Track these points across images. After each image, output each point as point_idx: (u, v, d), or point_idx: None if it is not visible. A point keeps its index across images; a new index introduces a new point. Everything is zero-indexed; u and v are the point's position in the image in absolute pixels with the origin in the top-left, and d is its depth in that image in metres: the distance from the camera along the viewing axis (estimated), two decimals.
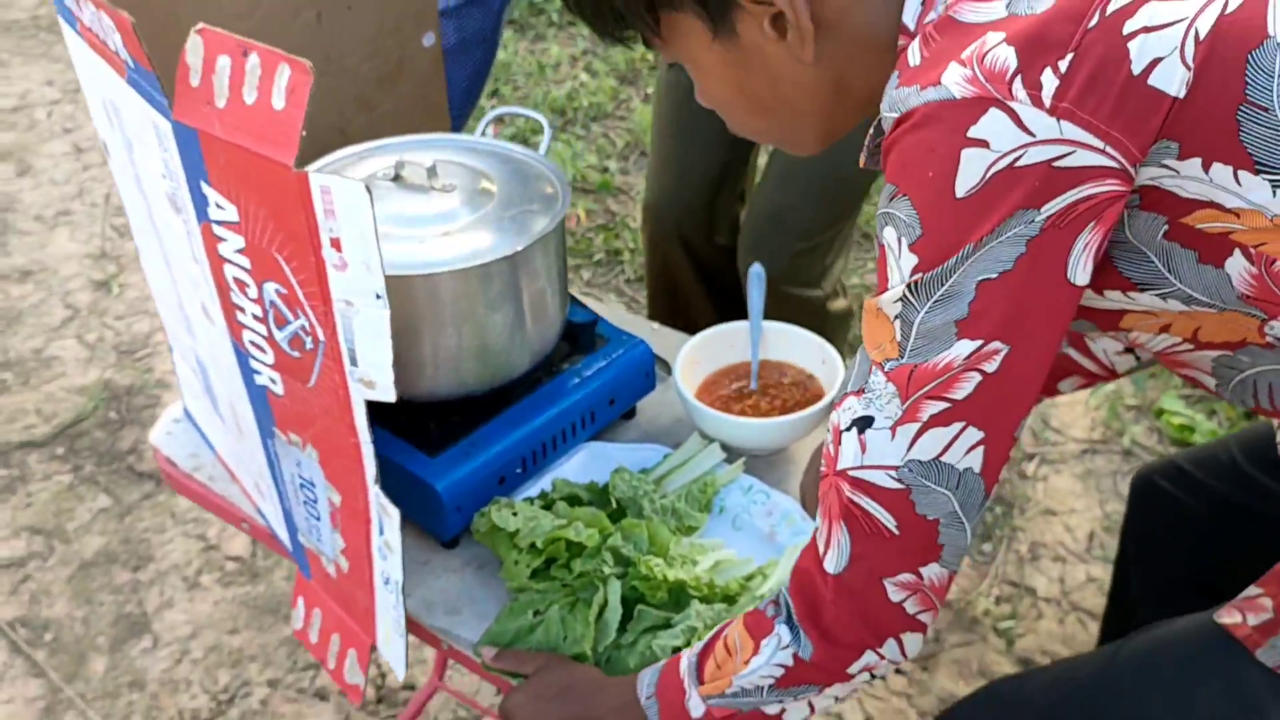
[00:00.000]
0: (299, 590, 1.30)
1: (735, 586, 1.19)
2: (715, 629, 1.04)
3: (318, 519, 1.19)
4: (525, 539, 1.19)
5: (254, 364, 1.11)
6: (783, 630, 0.96)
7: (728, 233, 2.07)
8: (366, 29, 1.53)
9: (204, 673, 1.99)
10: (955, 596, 2.03)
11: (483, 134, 1.47)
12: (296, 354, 1.05)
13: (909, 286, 0.81)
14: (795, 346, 1.47)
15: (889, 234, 0.83)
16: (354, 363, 0.99)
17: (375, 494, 1.07)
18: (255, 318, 1.06)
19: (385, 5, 1.52)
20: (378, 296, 0.94)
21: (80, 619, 2.09)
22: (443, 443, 1.28)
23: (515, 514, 1.21)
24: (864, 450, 0.87)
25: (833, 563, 0.91)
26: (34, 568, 2.18)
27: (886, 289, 0.84)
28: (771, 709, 0.98)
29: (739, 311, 2.10)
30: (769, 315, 1.50)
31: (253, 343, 1.09)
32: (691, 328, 2.11)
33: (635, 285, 2.83)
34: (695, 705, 1.00)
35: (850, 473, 0.88)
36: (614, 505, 1.28)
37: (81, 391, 2.57)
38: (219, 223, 1.02)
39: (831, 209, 1.85)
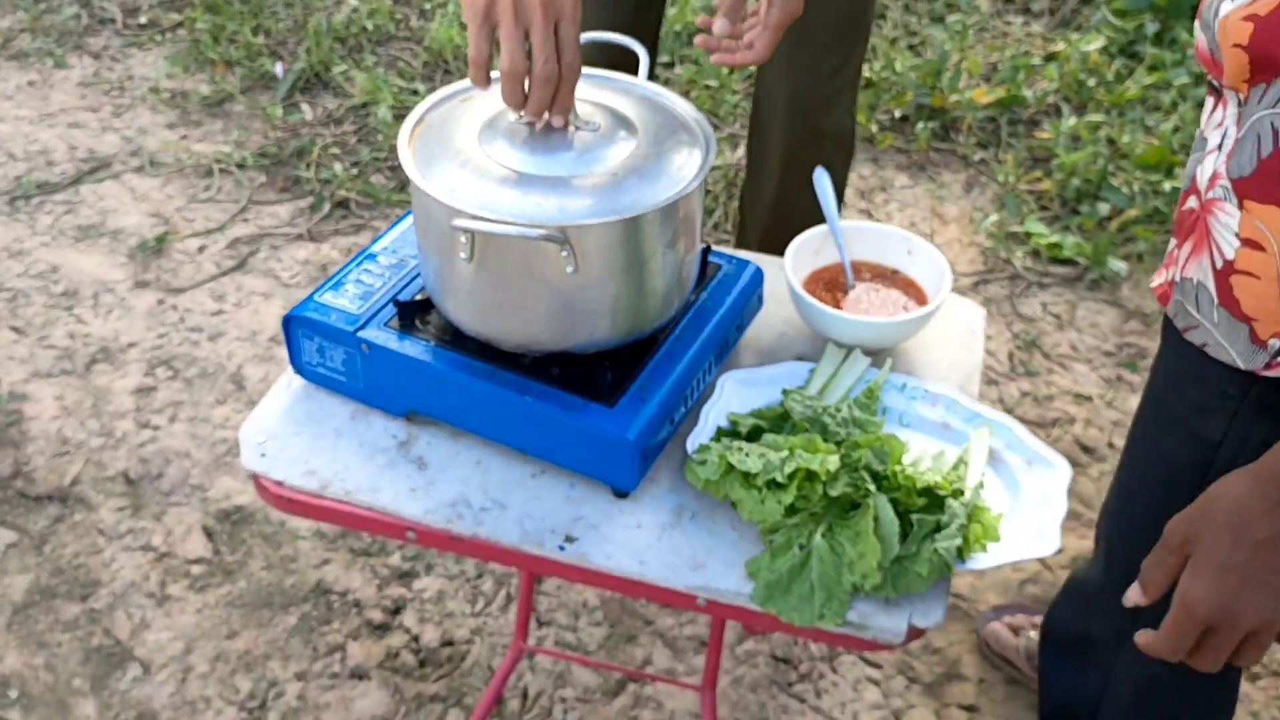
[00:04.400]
0: None
1: (955, 479, 1.25)
2: None
3: None
4: (765, 476, 1.19)
5: None
6: None
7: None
8: None
9: (219, 686, 1.83)
10: None
11: None
12: None
13: None
14: (871, 243, 1.51)
15: None
16: None
17: None
18: None
19: None
20: None
21: (43, 665, 1.86)
22: (615, 391, 1.24)
23: (748, 454, 1.20)
24: None
25: None
26: None
27: None
28: None
29: None
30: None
31: None
32: None
33: None
34: None
35: None
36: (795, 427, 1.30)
37: None
38: None
39: (849, 21, 1.89)
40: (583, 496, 1.26)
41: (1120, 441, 2.19)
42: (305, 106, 3.05)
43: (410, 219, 1.46)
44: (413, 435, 1.32)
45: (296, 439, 1.32)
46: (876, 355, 1.42)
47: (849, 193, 2.73)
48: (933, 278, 1.46)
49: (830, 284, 1.49)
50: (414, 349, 1.28)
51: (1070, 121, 2.84)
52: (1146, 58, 3.09)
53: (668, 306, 1.27)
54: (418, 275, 1.37)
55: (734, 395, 1.35)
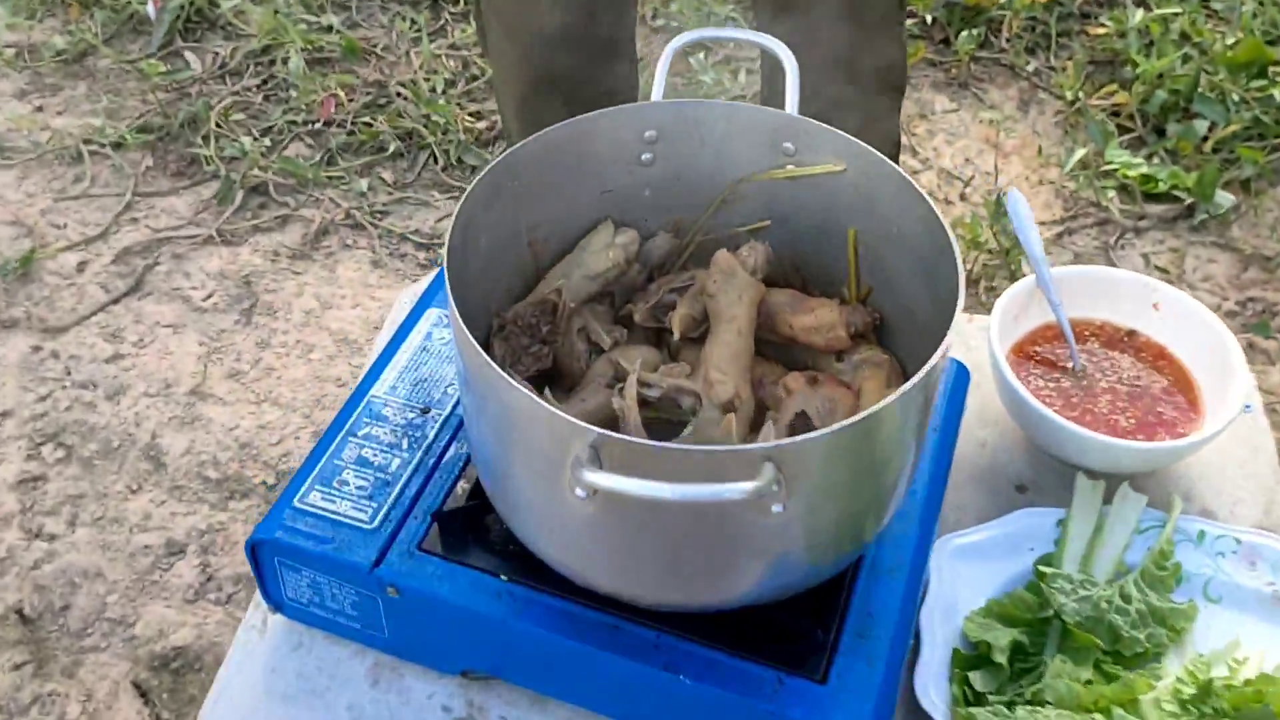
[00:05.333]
0: None
1: None
2: None
3: None
4: None
5: None
6: None
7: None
8: None
9: None
10: None
11: (664, 87, 0.85)
12: None
13: None
14: (1095, 293, 1.04)
15: None
16: None
17: None
18: None
19: None
20: None
21: None
22: (820, 650, 0.76)
23: None
24: None
25: None
26: None
27: None
28: None
29: None
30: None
31: None
32: None
33: (460, 172, 2.17)
34: None
35: None
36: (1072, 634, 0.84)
37: None
38: None
39: None
40: None
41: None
42: (190, 56, 2.42)
43: (424, 325, 0.95)
44: (475, 705, 0.84)
45: None
46: (1135, 478, 0.96)
47: None
48: (1195, 341, 1.00)
49: (1043, 359, 1.02)
50: (474, 593, 0.78)
51: (1138, 15, 2.35)
52: None
53: (897, 504, 0.78)
54: (454, 438, 0.87)
55: (956, 580, 0.89)
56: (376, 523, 0.81)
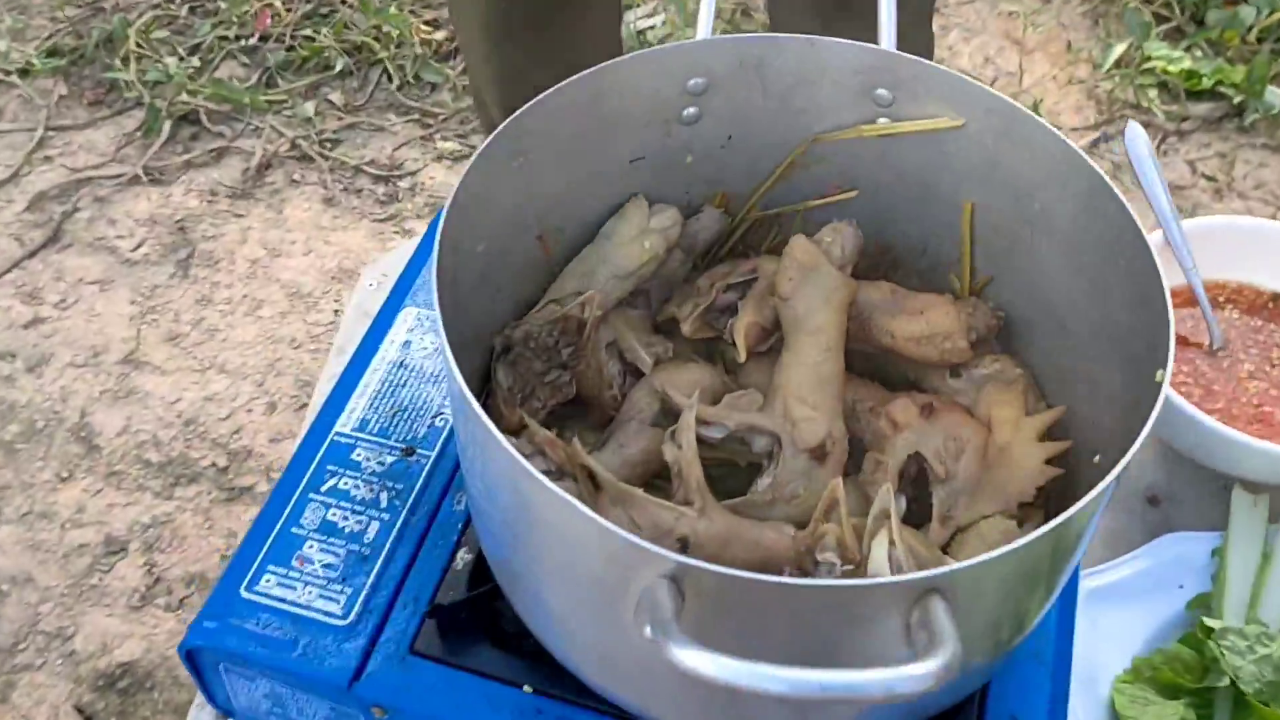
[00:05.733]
0: None
1: None
2: None
3: None
4: None
5: None
6: None
7: None
8: None
9: None
10: None
11: (711, 20, 0.64)
12: None
13: None
14: (1232, 249, 0.84)
15: None
16: None
17: None
18: None
19: None
20: None
21: None
22: None
23: None
24: None
25: None
26: None
27: None
28: None
29: None
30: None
31: None
32: None
33: (418, 91, 1.92)
34: None
35: None
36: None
37: None
38: None
39: None
40: None
41: None
42: None
43: (399, 330, 0.74)
44: None
45: None
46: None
47: None
48: None
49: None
50: (489, 711, 0.59)
51: None
52: None
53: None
54: (449, 488, 0.67)
55: (1094, 632, 0.70)
56: (352, 616, 0.61)
